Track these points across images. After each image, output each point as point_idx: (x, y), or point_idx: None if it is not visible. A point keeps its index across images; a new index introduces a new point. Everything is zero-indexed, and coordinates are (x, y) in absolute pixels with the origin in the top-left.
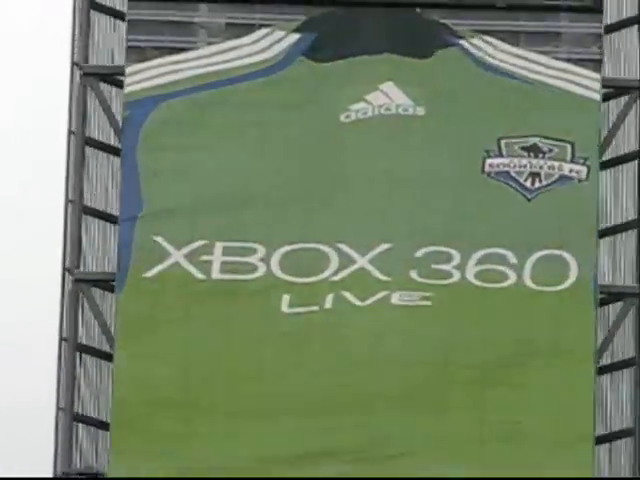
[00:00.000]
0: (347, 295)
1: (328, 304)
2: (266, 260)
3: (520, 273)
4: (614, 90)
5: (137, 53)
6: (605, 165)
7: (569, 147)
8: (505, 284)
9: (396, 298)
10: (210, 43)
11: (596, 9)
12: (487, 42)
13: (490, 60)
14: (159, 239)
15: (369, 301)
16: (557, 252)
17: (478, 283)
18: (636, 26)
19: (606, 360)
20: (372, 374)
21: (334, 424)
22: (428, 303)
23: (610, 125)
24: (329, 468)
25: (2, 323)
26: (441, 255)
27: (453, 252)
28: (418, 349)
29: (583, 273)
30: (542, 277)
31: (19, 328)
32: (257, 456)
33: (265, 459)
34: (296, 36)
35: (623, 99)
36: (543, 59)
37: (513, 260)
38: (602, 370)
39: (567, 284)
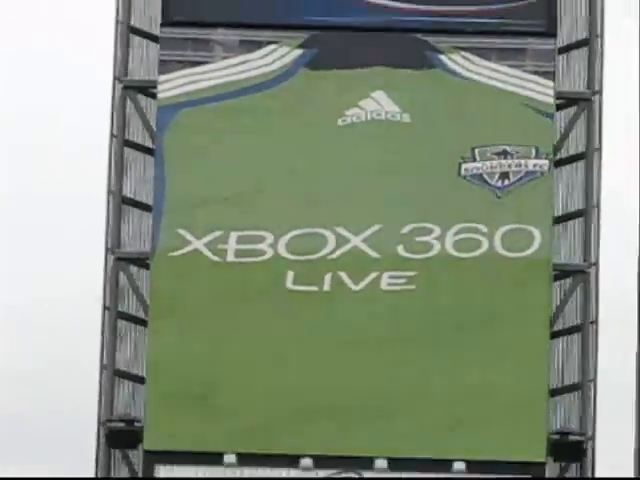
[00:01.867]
0: (343, 276)
1: (326, 286)
2: (274, 245)
3: (491, 241)
4: (566, 101)
5: (163, 66)
6: (560, 163)
7: (533, 148)
8: (477, 252)
9: (385, 283)
10: (225, 57)
11: (549, 33)
12: (465, 57)
13: (467, 73)
14: (182, 231)
15: (362, 284)
16: (523, 226)
17: (456, 253)
18: (585, 48)
19: (559, 326)
20: (363, 348)
21: (328, 384)
22: (412, 287)
23: (564, 129)
24: (326, 423)
25: (57, 297)
26: (423, 230)
27: (433, 226)
28: (404, 326)
29: (543, 247)
30: (509, 245)
31: (72, 300)
32: (268, 409)
33: (275, 411)
34: (299, 51)
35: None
36: (511, 71)
37: (485, 230)
38: (555, 334)
39: (530, 252)
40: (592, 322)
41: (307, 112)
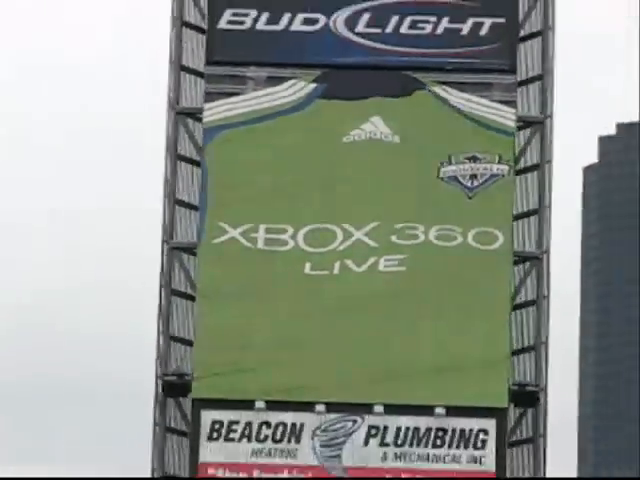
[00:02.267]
0: (349, 263)
1: (336, 270)
2: (294, 236)
3: (465, 237)
4: (524, 123)
5: (208, 96)
6: (520, 172)
7: (497, 156)
8: (454, 243)
9: (382, 265)
10: (255, 90)
11: (511, 70)
12: (444, 89)
13: (446, 102)
14: (221, 223)
15: (363, 267)
16: (490, 229)
17: (436, 242)
18: (539, 82)
19: (518, 300)
20: (365, 316)
21: (338, 345)
22: (403, 268)
23: (523, 145)
24: (336, 375)
25: (125, 277)
26: (412, 227)
27: (419, 225)
28: (396, 299)
29: (505, 241)
30: (478, 240)
31: (133, 281)
32: (291, 366)
33: (296, 367)
34: (313, 85)
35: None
36: (481, 100)
37: (459, 230)
38: (516, 307)
39: (495, 246)
40: (544, 297)
41: (319, 132)
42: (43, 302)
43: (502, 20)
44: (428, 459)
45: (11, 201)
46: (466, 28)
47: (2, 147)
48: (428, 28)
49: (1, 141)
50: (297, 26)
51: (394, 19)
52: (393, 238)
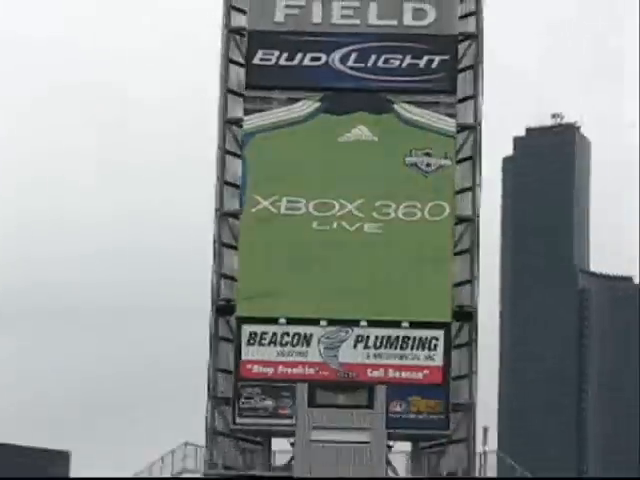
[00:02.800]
0: (343, 223)
1: (334, 226)
2: (305, 205)
3: (423, 211)
4: (462, 129)
5: (246, 111)
6: (458, 162)
7: (443, 152)
8: (415, 217)
9: (366, 228)
10: (278, 107)
11: (452, 92)
12: (407, 106)
13: (408, 115)
14: (256, 196)
15: (353, 227)
16: (440, 202)
17: (403, 217)
18: (471, 100)
19: (458, 249)
20: (355, 259)
21: (336, 279)
22: (380, 232)
23: (461, 143)
24: (335, 300)
25: (176, 239)
26: (386, 205)
27: (392, 203)
28: (374, 248)
29: (450, 210)
30: (431, 212)
31: (194, 239)
32: (305, 296)
33: (308, 296)
34: (318, 104)
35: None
36: (433, 114)
37: (419, 205)
38: (457, 253)
39: (444, 215)
40: (476, 246)
41: (322, 135)
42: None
43: (447, 57)
44: (397, 358)
45: None
46: (422, 63)
47: None
48: (396, 63)
49: None
50: (307, 62)
51: (373, 57)
52: (374, 214)
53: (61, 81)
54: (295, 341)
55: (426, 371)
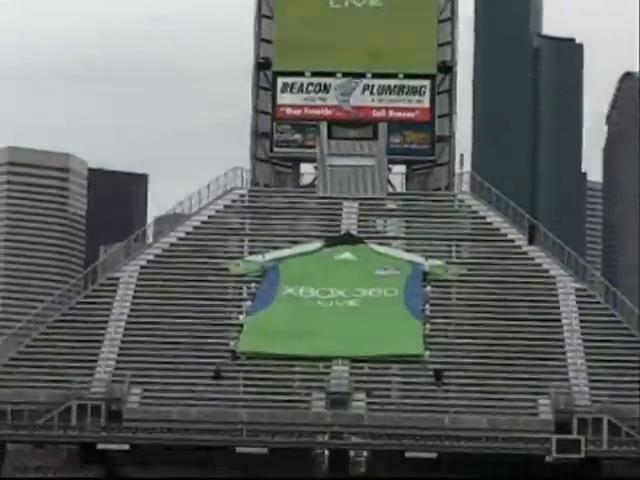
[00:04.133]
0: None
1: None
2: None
3: None
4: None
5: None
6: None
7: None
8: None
9: (350, 302)
10: None
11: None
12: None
13: None
14: None
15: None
16: None
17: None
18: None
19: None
20: None
21: None
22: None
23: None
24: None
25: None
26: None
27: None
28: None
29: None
30: None
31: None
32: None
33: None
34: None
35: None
36: None
37: None
38: (440, 21)
39: None
40: (456, 16)
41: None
42: None
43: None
44: (395, 101)
45: None
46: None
47: None
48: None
49: None
50: None
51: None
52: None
53: None
54: (317, 89)
55: (417, 111)
